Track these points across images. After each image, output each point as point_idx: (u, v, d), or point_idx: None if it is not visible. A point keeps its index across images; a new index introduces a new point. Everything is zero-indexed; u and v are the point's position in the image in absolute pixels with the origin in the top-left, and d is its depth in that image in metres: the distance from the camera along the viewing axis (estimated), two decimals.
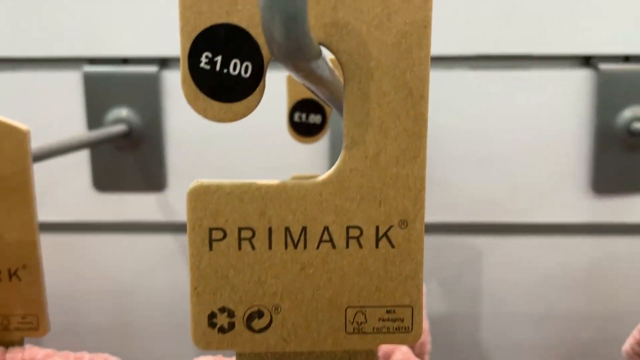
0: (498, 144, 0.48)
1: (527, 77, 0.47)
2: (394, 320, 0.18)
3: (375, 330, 0.18)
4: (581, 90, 0.47)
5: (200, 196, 0.17)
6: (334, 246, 0.18)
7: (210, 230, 0.17)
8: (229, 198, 0.17)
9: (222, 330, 0.18)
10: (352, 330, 0.18)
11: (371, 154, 0.17)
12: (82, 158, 0.50)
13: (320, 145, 0.49)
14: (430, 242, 0.50)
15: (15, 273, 0.29)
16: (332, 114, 0.39)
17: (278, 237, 0.17)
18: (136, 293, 0.52)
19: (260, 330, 0.18)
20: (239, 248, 0.18)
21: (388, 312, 0.18)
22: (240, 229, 0.17)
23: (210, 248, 0.17)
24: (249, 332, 0.18)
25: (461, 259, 0.51)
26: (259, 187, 0.17)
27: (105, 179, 0.50)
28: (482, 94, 0.48)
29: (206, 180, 0.17)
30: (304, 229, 0.17)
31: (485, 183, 0.49)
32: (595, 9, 0.46)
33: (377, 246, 0.18)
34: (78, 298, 0.52)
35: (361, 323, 0.18)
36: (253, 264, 0.18)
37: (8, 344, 0.30)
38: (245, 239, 0.17)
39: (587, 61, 0.48)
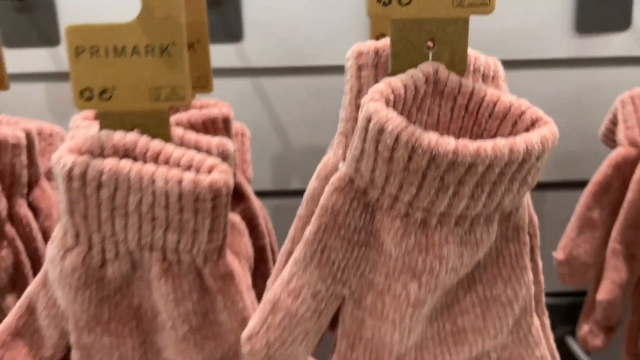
0: None
1: None
2: None
3: None
4: None
5: None
6: None
7: None
8: None
9: (384, 4, 0.31)
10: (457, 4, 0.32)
11: None
12: None
13: None
14: None
15: (166, 49, 0.35)
16: None
17: None
18: None
19: (405, 5, 0.31)
20: None
21: None
22: None
23: None
24: (399, 7, 0.31)
25: None
26: None
27: None
28: None
29: None
30: None
31: (483, 26, 0.63)
32: None
33: None
34: None
35: None
36: None
37: None
38: None
39: None
